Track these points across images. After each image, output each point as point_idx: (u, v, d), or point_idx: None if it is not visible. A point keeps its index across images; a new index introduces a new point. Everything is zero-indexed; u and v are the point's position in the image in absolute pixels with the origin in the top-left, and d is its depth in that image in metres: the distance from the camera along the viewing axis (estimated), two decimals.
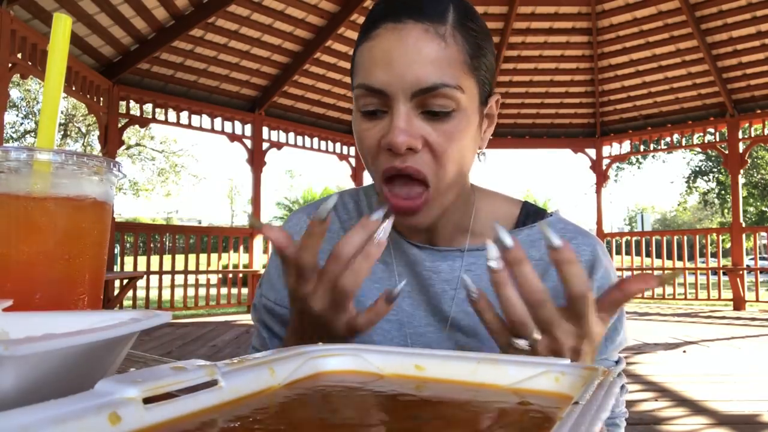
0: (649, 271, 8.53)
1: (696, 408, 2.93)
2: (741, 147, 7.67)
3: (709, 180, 24.56)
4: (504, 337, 0.54)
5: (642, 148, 8.90)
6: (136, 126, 6.95)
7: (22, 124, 21.78)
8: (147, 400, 0.25)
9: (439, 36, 0.60)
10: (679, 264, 8.30)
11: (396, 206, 0.63)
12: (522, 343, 0.53)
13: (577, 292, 0.51)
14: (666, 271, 7.79)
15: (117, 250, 6.48)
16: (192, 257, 9.24)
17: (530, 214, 0.77)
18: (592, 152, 8.74)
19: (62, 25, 0.47)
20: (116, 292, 5.94)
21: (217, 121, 7.23)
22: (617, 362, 0.75)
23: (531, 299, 0.52)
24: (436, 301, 0.72)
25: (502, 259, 0.51)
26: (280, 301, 0.77)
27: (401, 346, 0.71)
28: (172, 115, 7.06)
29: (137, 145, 22.52)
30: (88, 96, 5.87)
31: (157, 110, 6.86)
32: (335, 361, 0.39)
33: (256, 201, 7.67)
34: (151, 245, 7.03)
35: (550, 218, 0.76)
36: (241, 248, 7.56)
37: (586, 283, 0.51)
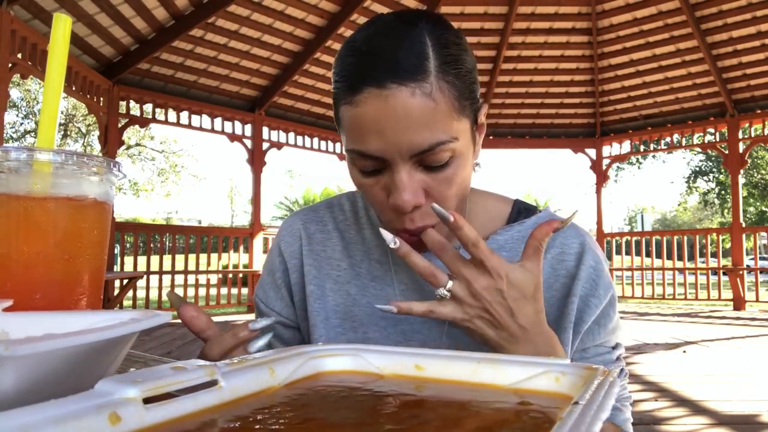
0: (649, 272, 8.53)
1: (696, 408, 2.93)
2: (741, 147, 7.67)
3: (709, 180, 24.56)
4: (431, 307, 0.59)
5: (642, 148, 8.90)
6: (136, 126, 6.95)
7: (22, 124, 21.78)
8: (147, 400, 0.25)
9: (426, 95, 0.59)
10: (679, 264, 8.29)
11: (409, 242, 0.64)
12: (441, 291, 0.59)
13: (467, 241, 0.57)
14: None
15: (117, 250, 6.48)
16: (192, 257, 9.24)
17: (521, 211, 0.79)
18: (592, 152, 8.74)
19: (62, 25, 0.47)
20: (116, 292, 5.94)
21: (217, 121, 7.23)
22: (614, 347, 0.76)
23: (433, 250, 0.60)
24: (431, 298, 0.73)
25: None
26: (268, 303, 0.83)
27: (397, 341, 0.74)
28: (172, 115, 7.06)
29: (137, 145, 22.52)
30: (88, 96, 5.86)
31: (157, 110, 6.86)
32: (335, 361, 0.39)
33: (256, 201, 7.67)
34: (151, 245, 7.03)
35: (540, 213, 0.78)
36: (241, 248, 7.56)
37: (475, 235, 0.57)
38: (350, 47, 0.62)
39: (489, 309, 0.58)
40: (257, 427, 0.26)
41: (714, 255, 28.97)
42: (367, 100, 0.59)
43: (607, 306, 0.73)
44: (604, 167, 8.74)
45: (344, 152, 0.65)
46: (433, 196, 0.63)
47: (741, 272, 7.50)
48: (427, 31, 0.61)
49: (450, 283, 0.58)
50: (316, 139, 8.24)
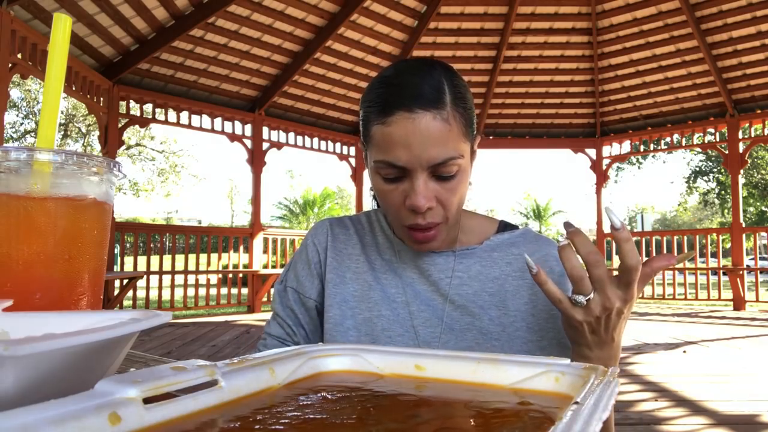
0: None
1: (695, 408, 2.93)
2: (741, 147, 7.67)
3: (709, 180, 24.55)
4: (563, 302, 0.69)
5: (642, 148, 8.90)
6: (136, 126, 6.95)
7: (22, 124, 21.76)
8: (147, 400, 0.25)
9: (443, 120, 0.75)
10: (678, 264, 8.28)
11: (417, 239, 0.82)
12: (581, 298, 0.67)
13: (630, 264, 0.65)
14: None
15: (117, 250, 6.48)
16: (192, 257, 9.24)
17: (506, 227, 0.97)
18: (592, 152, 8.74)
19: (62, 25, 0.47)
20: (116, 292, 5.94)
21: (217, 121, 7.23)
22: None
23: (588, 259, 0.67)
24: (436, 285, 0.89)
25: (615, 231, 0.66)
26: (305, 293, 0.94)
27: (406, 319, 0.88)
28: (172, 115, 7.06)
29: (137, 145, 22.50)
30: (88, 96, 5.86)
31: (157, 110, 6.86)
32: (335, 361, 0.39)
33: (256, 201, 7.67)
34: (151, 245, 7.03)
35: (524, 229, 0.96)
36: (241, 248, 7.56)
37: (638, 258, 0.65)
38: (381, 81, 0.79)
39: (605, 323, 0.69)
40: (257, 427, 0.26)
41: (714, 255, 28.97)
42: (398, 121, 0.75)
43: None
44: (604, 167, 8.74)
45: (371, 163, 0.80)
46: (441, 202, 0.79)
47: (741, 272, 7.50)
48: (443, 73, 0.79)
49: (591, 295, 0.68)
50: (316, 139, 8.24)
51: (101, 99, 6.12)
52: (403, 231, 0.83)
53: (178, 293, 7.31)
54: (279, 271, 7.17)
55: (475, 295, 0.87)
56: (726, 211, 22.53)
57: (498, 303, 0.87)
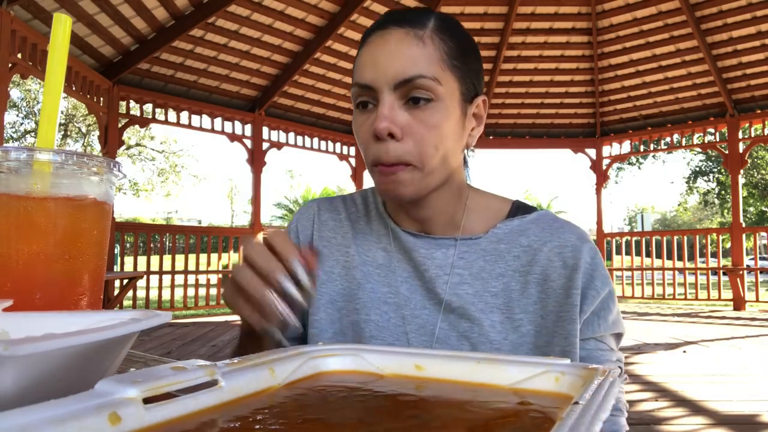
0: (649, 272, 8.53)
1: (696, 408, 2.93)
2: (741, 147, 7.67)
3: (709, 180, 24.56)
4: None
5: (642, 148, 8.89)
6: (136, 126, 6.95)
7: (22, 124, 21.76)
8: (147, 400, 0.25)
9: (418, 38, 0.70)
10: (679, 264, 8.29)
11: (382, 179, 0.72)
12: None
13: None
14: (662, 270, 7.72)
15: (117, 250, 6.48)
16: (192, 257, 9.24)
17: (520, 208, 0.84)
18: (592, 152, 8.74)
19: (62, 25, 0.47)
20: (116, 292, 5.94)
21: (217, 121, 7.23)
22: (612, 349, 0.78)
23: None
24: (431, 285, 0.78)
25: None
26: None
27: (398, 325, 0.78)
28: (172, 115, 7.06)
29: (137, 145, 22.50)
30: (88, 96, 5.86)
31: (157, 110, 6.85)
32: (335, 361, 0.39)
33: (256, 201, 7.67)
34: (151, 245, 7.03)
35: (540, 212, 0.82)
36: (241, 248, 7.54)
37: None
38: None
39: None
40: (257, 427, 0.26)
41: (714, 255, 28.97)
42: (372, 41, 0.72)
43: (606, 298, 0.76)
44: (604, 167, 8.73)
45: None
46: (412, 135, 0.69)
47: (741, 272, 7.50)
48: (435, 13, 0.75)
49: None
50: (316, 139, 8.24)
51: (101, 99, 6.12)
52: (373, 174, 0.74)
53: (178, 293, 7.31)
54: None
55: (475, 296, 0.76)
56: (726, 211, 22.52)
57: (502, 305, 0.76)
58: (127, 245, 7.31)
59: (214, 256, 7.39)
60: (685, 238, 8.24)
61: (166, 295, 6.94)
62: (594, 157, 8.72)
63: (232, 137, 7.41)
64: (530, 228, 0.79)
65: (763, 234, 9.66)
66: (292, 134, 7.94)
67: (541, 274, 0.76)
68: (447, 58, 0.71)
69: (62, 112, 20.33)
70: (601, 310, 0.75)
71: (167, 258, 6.90)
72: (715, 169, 23.65)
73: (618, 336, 0.78)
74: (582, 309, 0.73)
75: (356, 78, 0.73)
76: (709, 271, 8.79)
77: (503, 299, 0.76)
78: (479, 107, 0.77)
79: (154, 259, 6.85)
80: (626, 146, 8.68)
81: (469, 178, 0.87)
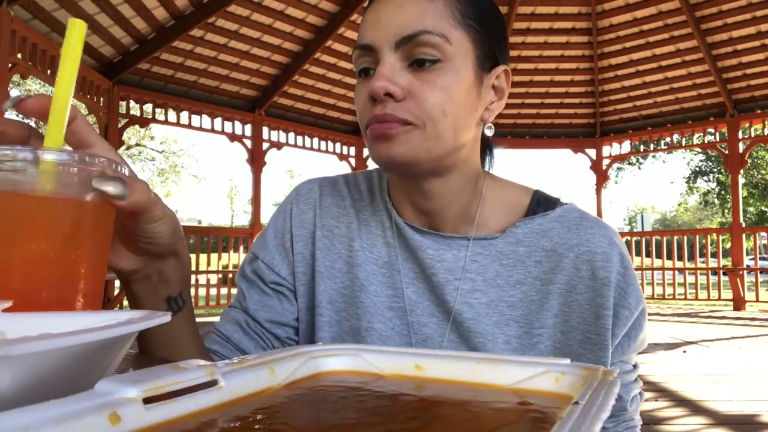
0: (649, 272, 8.53)
1: (696, 408, 2.93)
2: (741, 147, 7.67)
3: (709, 180, 24.58)
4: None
5: (642, 148, 8.90)
6: (136, 126, 6.95)
7: None
8: (147, 400, 0.25)
9: None
10: (679, 264, 8.29)
11: (374, 134, 0.62)
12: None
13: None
14: (663, 270, 7.70)
15: None
16: (192, 257, 9.24)
17: (541, 202, 0.72)
18: (592, 152, 8.74)
19: (77, 30, 0.47)
20: (116, 292, 5.94)
21: (217, 121, 7.23)
22: (635, 366, 0.72)
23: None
24: (440, 290, 0.69)
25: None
26: (273, 266, 0.76)
27: (403, 334, 0.70)
28: (172, 115, 7.07)
29: (137, 145, 22.53)
30: (88, 96, 5.87)
31: (157, 110, 6.86)
32: (335, 361, 0.39)
33: (256, 201, 7.67)
34: None
35: (564, 206, 0.71)
36: (241, 248, 7.55)
37: None
38: None
39: None
40: (257, 427, 0.26)
41: (714, 255, 28.98)
42: (374, 3, 0.64)
43: (639, 317, 0.67)
44: (604, 167, 8.74)
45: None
46: (414, 97, 0.60)
47: (741, 272, 7.50)
48: None
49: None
50: (316, 139, 8.24)
51: (101, 99, 6.12)
52: (366, 138, 0.64)
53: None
54: None
55: (489, 305, 0.67)
56: (726, 211, 22.54)
57: (519, 318, 0.67)
58: None
59: (214, 256, 7.40)
60: (685, 238, 8.24)
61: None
62: (594, 157, 8.72)
63: (232, 137, 7.41)
64: (554, 227, 0.68)
65: (763, 234, 9.65)
66: (291, 134, 7.94)
67: (566, 284, 0.66)
68: (459, 16, 0.62)
69: None
70: (632, 329, 0.67)
71: None
72: (715, 169, 23.67)
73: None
74: (614, 333, 0.65)
75: (358, 41, 0.65)
76: (709, 271, 8.80)
77: (521, 311, 0.67)
78: (500, 78, 0.67)
79: None
80: (626, 146, 8.69)
81: (491, 165, 0.77)
